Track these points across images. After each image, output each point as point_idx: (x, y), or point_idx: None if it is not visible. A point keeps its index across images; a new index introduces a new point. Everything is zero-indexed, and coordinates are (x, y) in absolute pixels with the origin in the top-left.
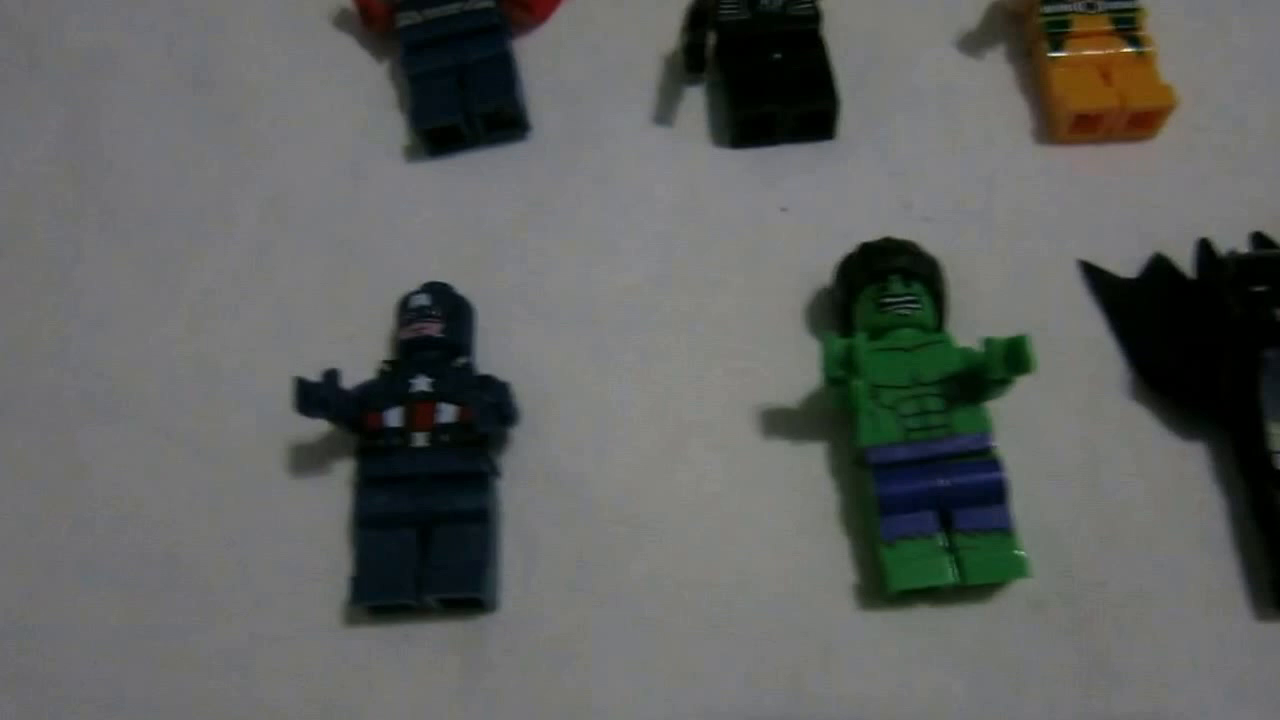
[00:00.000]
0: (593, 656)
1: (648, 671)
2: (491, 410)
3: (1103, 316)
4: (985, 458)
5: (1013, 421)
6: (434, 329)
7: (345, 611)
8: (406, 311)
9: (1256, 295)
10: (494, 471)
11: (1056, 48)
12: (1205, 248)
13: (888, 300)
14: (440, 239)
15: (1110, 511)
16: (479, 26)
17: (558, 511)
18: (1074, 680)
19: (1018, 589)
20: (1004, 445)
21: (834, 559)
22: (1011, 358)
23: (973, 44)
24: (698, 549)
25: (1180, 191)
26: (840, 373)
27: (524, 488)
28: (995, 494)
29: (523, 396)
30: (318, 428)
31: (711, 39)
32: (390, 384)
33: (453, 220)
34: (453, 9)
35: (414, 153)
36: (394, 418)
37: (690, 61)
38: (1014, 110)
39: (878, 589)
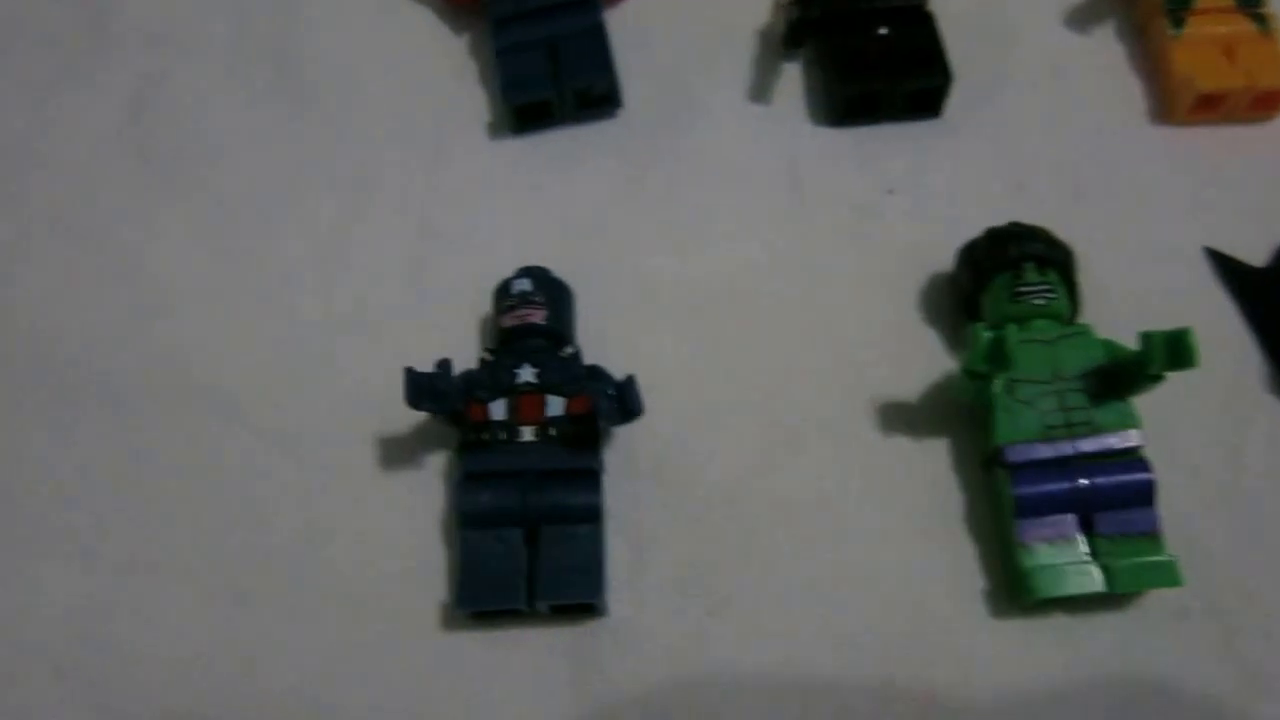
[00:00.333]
0: (710, 666)
1: (769, 683)
2: (614, 403)
3: (1235, 307)
4: (1132, 457)
5: (1145, 420)
6: (538, 316)
7: (443, 616)
8: (508, 297)
9: None
10: (600, 468)
11: (1177, 25)
12: None
13: (1022, 289)
14: (528, 221)
15: (1255, 516)
16: (570, 0)
17: (665, 510)
18: (1223, 697)
19: (1158, 598)
20: None
21: (962, 563)
22: (1173, 352)
23: (1081, 20)
24: (816, 551)
25: None
26: (985, 367)
27: (628, 484)
28: (1142, 496)
29: None
30: (407, 419)
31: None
32: (493, 374)
33: (541, 201)
34: None
35: (498, 130)
36: (499, 410)
37: (792, 37)
38: (1126, 89)
39: (1010, 596)
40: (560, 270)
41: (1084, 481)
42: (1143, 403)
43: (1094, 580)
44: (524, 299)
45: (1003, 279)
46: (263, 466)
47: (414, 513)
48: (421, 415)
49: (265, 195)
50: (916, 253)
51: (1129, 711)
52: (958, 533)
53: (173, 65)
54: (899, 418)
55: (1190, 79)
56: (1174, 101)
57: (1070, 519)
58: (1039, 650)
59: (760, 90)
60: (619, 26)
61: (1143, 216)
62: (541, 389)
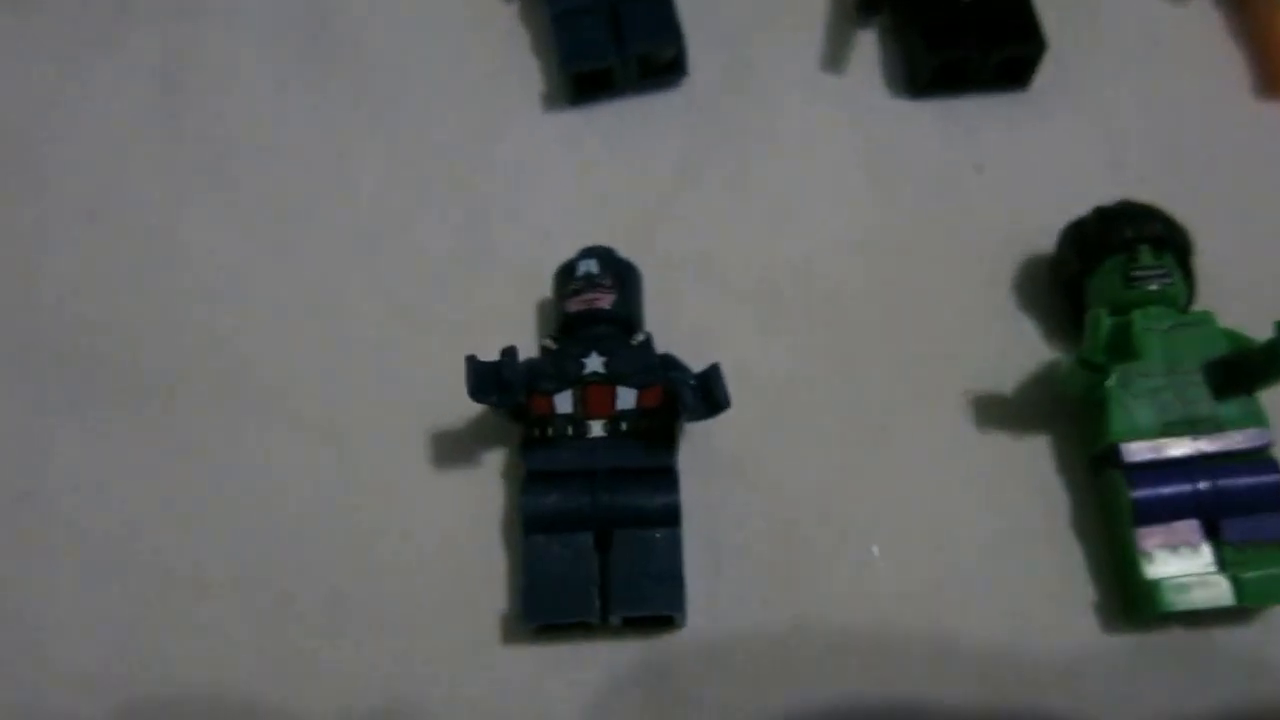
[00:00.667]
0: (796, 683)
1: (860, 701)
2: (698, 394)
3: None
4: (1260, 458)
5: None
6: (606, 300)
7: (504, 629)
8: (572, 280)
9: None
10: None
11: None
12: None
13: (1137, 274)
14: (587, 199)
15: None
16: None
17: (744, 512)
18: None
19: None
20: None
21: (1068, 572)
22: None
23: None
24: (909, 558)
25: None
26: (1105, 358)
27: (702, 484)
28: (1273, 500)
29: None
30: (462, 412)
31: None
32: (558, 364)
33: (601, 178)
34: None
35: (552, 101)
36: (564, 403)
37: (869, 2)
38: (1227, 60)
39: (1123, 609)
40: (623, 250)
41: (1208, 484)
42: (1269, 397)
43: (1223, 593)
44: (590, 282)
45: (1114, 262)
46: (307, 465)
47: (472, 516)
48: (478, 408)
49: (304, 174)
50: (1008, 235)
51: None
52: (1063, 539)
53: (204, 35)
54: (995, 413)
55: None
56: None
57: (1194, 525)
58: (1156, 668)
59: (834, 59)
60: None
61: (1250, 197)
62: (611, 379)
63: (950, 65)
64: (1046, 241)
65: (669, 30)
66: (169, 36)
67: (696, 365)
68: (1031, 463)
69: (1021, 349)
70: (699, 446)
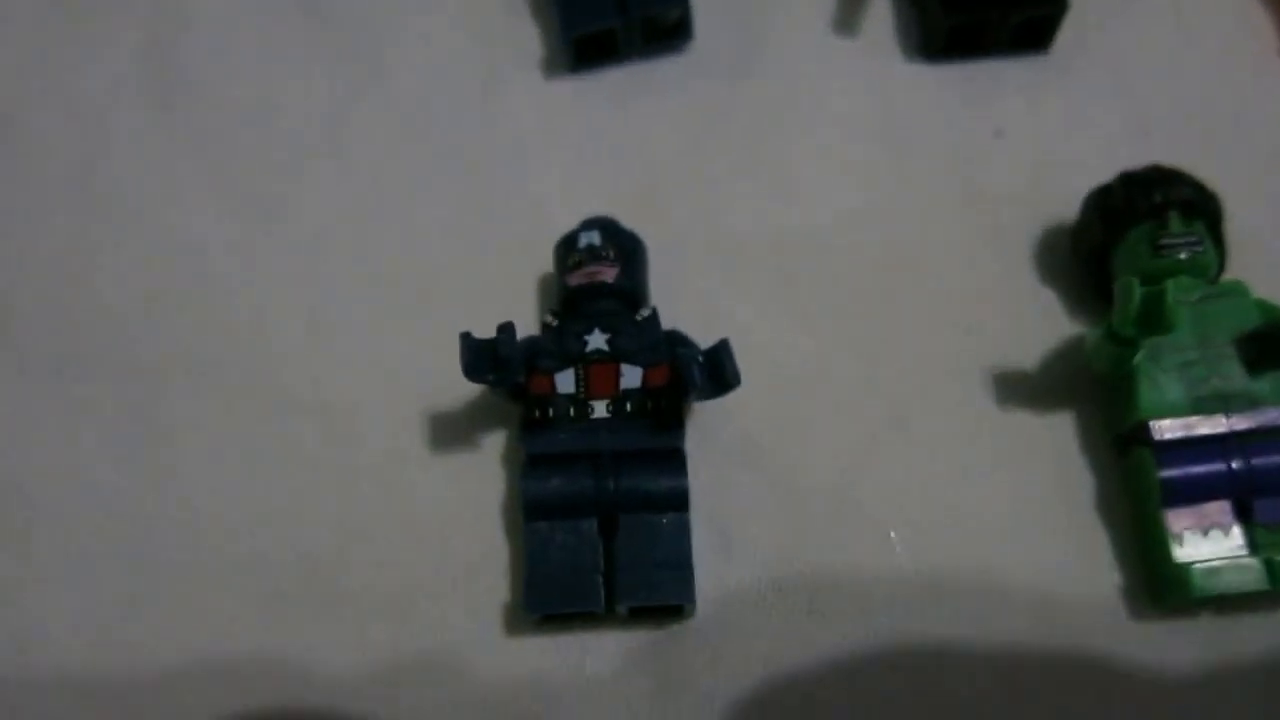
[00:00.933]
0: (810, 674)
1: (877, 692)
2: (705, 371)
3: None
4: None
5: None
6: (609, 273)
7: (506, 618)
8: (574, 252)
9: None
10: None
11: None
12: None
13: (1167, 242)
14: (591, 169)
15: None
16: None
17: (756, 497)
18: None
19: None
20: None
21: (1094, 555)
22: None
23: None
24: (930, 542)
25: None
26: (1135, 330)
27: (712, 467)
28: None
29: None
30: (460, 392)
31: None
32: (559, 340)
33: (604, 147)
34: None
35: (553, 67)
36: (566, 382)
37: None
38: (1256, 18)
39: (1150, 592)
40: (627, 223)
41: (1240, 463)
42: None
43: (1256, 577)
44: (592, 254)
45: (1141, 230)
46: (300, 448)
47: (472, 500)
48: (477, 388)
49: (297, 145)
50: (1030, 203)
51: None
52: (1088, 520)
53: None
54: (1016, 390)
55: None
56: None
57: (1226, 506)
58: (1184, 653)
59: (847, 20)
60: None
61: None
62: (615, 357)
63: (967, 27)
64: (1069, 210)
65: None
66: (148, 4)
67: (705, 342)
68: (1055, 442)
69: (1044, 323)
70: (708, 427)
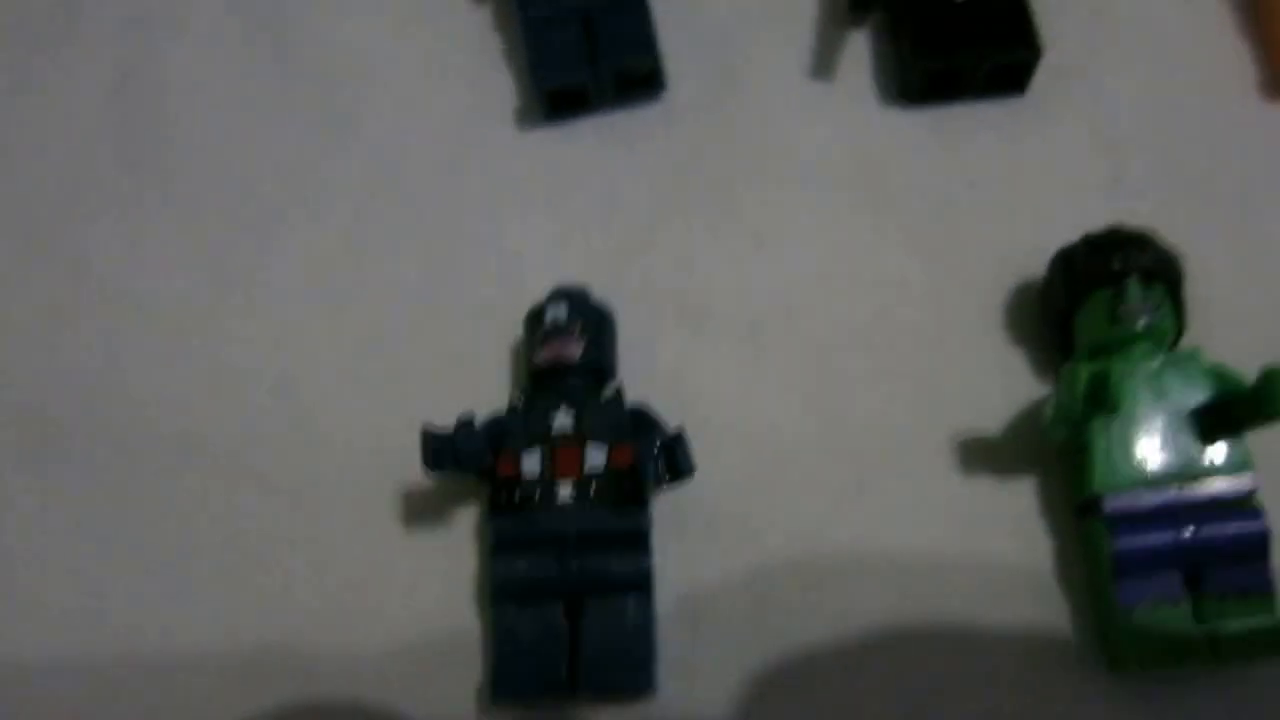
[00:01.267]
0: None
1: None
2: (661, 461)
3: None
4: (1245, 505)
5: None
6: (576, 350)
7: (478, 699)
8: (540, 327)
9: None
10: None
11: None
12: None
13: (1125, 310)
14: (564, 224)
15: None
16: None
17: (722, 566)
18: None
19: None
20: None
21: (1054, 621)
22: None
23: None
24: (896, 609)
25: None
26: (1084, 411)
27: (679, 537)
28: (1256, 549)
29: (671, 421)
30: None
31: None
32: (526, 420)
33: (578, 200)
34: None
35: (527, 116)
36: (533, 463)
37: (859, 3)
38: (1235, 59)
39: (1108, 657)
40: (600, 282)
41: (1191, 533)
42: (1257, 438)
43: (1202, 648)
44: (558, 330)
45: (1101, 295)
46: (268, 528)
47: (442, 580)
48: None
49: (265, 195)
50: (1002, 256)
51: None
52: (1049, 585)
53: (156, 49)
54: (982, 453)
55: None
56: None
57: (1175, 577)
58: (1139, 716)
59: (822, 64)
60: None
61: (1256, 212)
62: (580, 438)
63: (943, 72)
64: (1040, 265)
65: (645, 43)
66: (118, 53)
67: (674, 410)
68: (1018, 507)
69: (1011, 382)
70: (675, 500)
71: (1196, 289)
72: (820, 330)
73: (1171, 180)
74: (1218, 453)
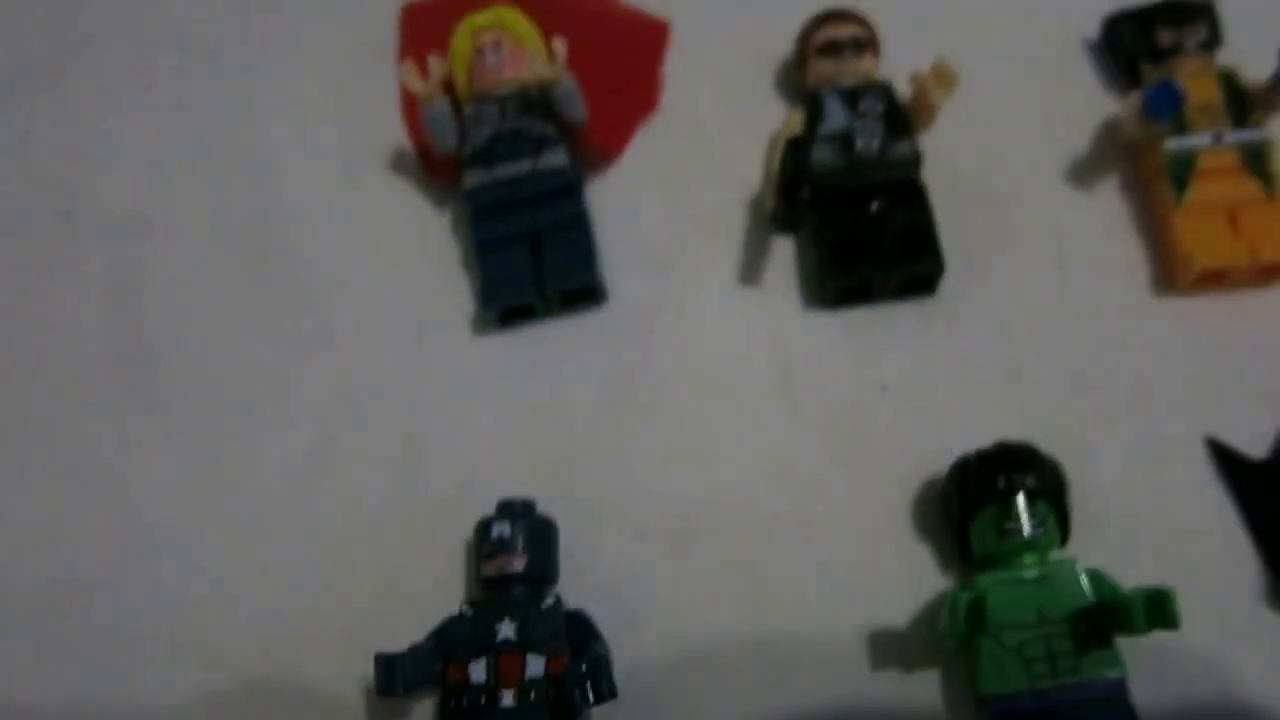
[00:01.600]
0: None
1: None
2: (584, 686)
3: (1235, 505)
4: (1118, 706)
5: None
6: (519, 564)
7: None
8: (487, 542)
9: None
10: None
11: (1180, 188)
12: None
13: (1010, 526)
14: (515, 431)
15: None
16: (553, 188)
17: None
18: None
19: None
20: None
21: None
22: (1153, 613)
23: (1083, 177)
24: None
25: None
26: (966, 631)
27: None
28: None
29: (610, 624)
30: None
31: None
32: (474, 629)
33: (527, 408)
34: (524, 167)
35: (482, 324)
36: (479, 671)
37: (786, 225)
38: (1129, 254)
39: None
40: (547, 488)
41: None
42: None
43: None
44: (503, 546)
45: (990, 512)
46: None
47: None
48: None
49: (243, 402)
50: (911, 456)
51: None
52: None
53: (147, 257)
54: (892, 647)
55: (1191, 255)
56: (1176, 272)
57: None
58: None
59: (751, 271)
60: (603, 198)
61: (1144, 403)
62: (523, 647)
63: (857, 283)
64: (947, 461)
65: (586, 266)
66: (114, 262)
67: (612, 606)
68: (924, 698)
69: (920, 576)
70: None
71: (1089, 478)
72: (744, 529)
73: (1068, 376)
74: (1093, 658)
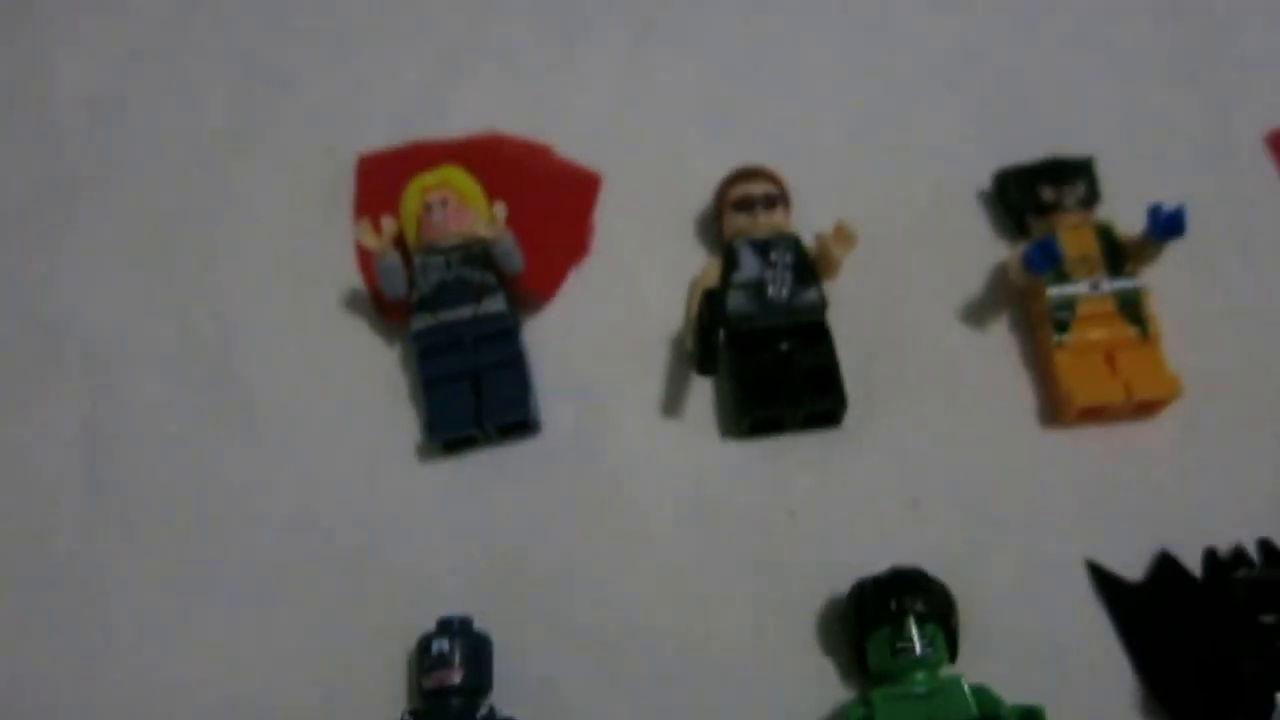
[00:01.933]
0: None
1: None
2: None
3: (1113, 624)
4: None
5: None
6: (455, 677)
7: None
8: (426, 657)
9: (1266, 629)
10: None
11: (1061, 331)
12: (1211, 557)
13: (902, 645)
14: (456, 550)
15: None
16: (492, 331)
17: None
18: None
19: None
20: None
21: None
22: None
23: (976, 319)
24: None
25: (1188, 476)
26: None
27: None
28: None
29: None
30: None
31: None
32: None
33: (467, 530)
34: (466, 312)
35: (427, 452)
36: None
37: (705, 368)
38: (1019, 389)
39: None
40: (485, 605)
41: None
42: None
43: None
44: (441, 660)
45: (883, 632)
46: None
47: None
48: None
49: (208, 527)
50: (816, 578)
51: None
52: None
53: (120, 391)
54: None
55: (1071, 393)
56: (1059, 408)
57: None
58: None
59: (673, 404)
60: (540, 342)
61: (1030, 531)
62: None
63: (768, 417)
64: (849, 581)
65: (521, 403)
66: (91, 390)
67: (540, 715)
68: None
69: (825, 691)
70: None
71: (978, 599)
72: (663, 643)
73: (962, 503)
74: None
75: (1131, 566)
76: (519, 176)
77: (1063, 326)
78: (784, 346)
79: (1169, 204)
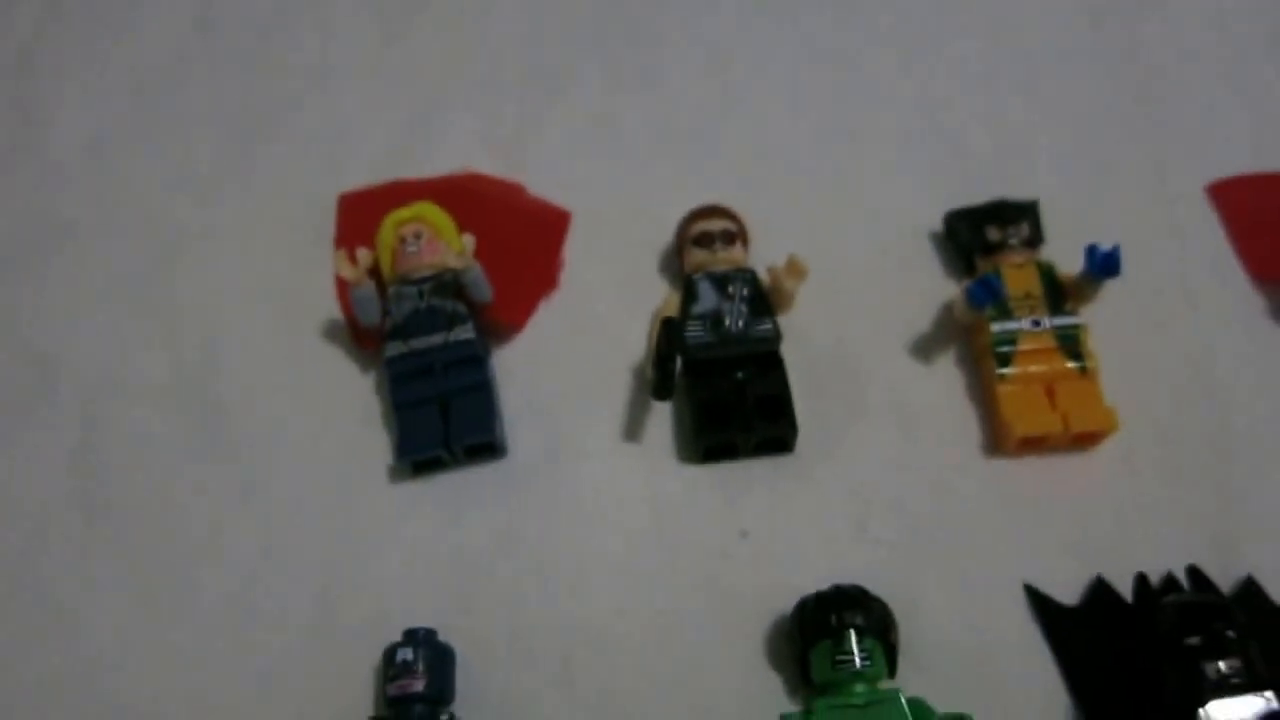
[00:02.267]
0: None
1: None
2: None
3: (1048, 645)
4: None
5: None
6: (419, 685)
7: None
8: (391, 666)
9: (1190, 650)
10: None
11: (1004, 364)
12: (1142, 583)
13: (842, 658)
14: (423, 569)
15: None
16: (461, 357)
17: None
18: None
19: None
20: None
21: None
22: None
23: (924, 352)
24: None
25: (1122, 505)
26: None
27: None
28: None
29: None
30: None
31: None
32: None
33: (434, 548)
34: (437, 340)
35: (397, 474)
36: None
37: (660, 393)
38: (964, 420)
39: None
40: (450, 620)
41: None
42: None
43: None
44: (405, 668)
45: (824, 645)
46: None
47: None
48: None
49: (187, 549)
50: (765, 596)
51: None
52: None
53: (111, 416)
54: None
55: (1011, 423)
56: (1000, 438)
57: None
58: None
59: (632, 429)
60: (507, 364)
61: (971, 554)
62: None
63: (722, 443)
64: (794, 600)
65: (487, 428)
66: (84, 417)
67: None
68: None
69: (773, 703)
70: None
71: (919, 619)
72: (618, 657)
73: (906, 527)
74: None
75: (1067, 590)
76: (492, 213)
77: (1005, 360)
78: (739, 375)
79: (1106, 245)
